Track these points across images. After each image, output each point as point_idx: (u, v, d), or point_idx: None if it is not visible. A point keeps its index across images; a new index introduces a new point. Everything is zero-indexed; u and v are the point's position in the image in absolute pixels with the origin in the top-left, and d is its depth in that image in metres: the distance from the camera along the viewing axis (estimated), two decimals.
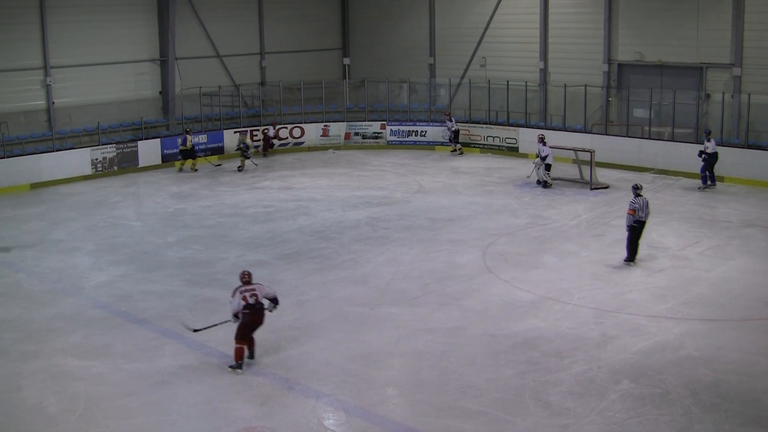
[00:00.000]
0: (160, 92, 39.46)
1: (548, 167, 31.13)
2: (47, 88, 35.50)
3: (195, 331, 17.23)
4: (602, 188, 30.91)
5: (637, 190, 22.23)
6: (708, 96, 34.53)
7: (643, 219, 21.96)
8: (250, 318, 16.16)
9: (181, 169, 35.64)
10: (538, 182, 31.50)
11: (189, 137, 35.58)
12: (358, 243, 24.39)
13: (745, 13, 32.99)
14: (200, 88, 39.23)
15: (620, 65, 37.44)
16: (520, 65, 39.99)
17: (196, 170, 35.23)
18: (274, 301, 16.63)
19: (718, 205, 28.34)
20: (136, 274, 22.01)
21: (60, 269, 22.56)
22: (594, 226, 25.76)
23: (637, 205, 21.80)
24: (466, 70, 42.38)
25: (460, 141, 38.90)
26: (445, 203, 28.98)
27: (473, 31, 41.90)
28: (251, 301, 16.18)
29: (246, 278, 16.45)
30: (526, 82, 38.80)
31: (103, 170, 34.59)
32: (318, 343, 17.23)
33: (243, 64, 42.75)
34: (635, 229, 21.95)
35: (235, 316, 16.28)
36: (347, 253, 23.45)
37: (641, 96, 35.84)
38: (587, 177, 31.50)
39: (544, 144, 31.25)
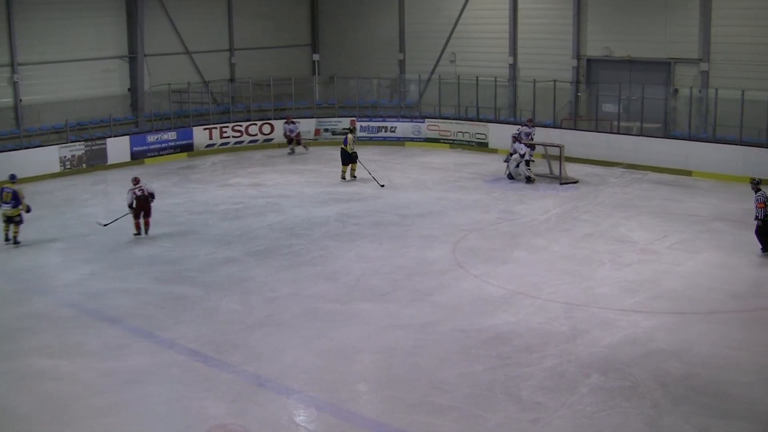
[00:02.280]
0: (129, 89, 39.28)
1: (528, 163, 31.25)
2: (14, 86, 35.28)
3: (104, 225, 25.60)
4: (572, 183, 31.02)
5: (757, 184, 22.66)
6: (676, 91, 34.76)
7: None
8: (138, 205, 24.84)
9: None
10: (510, 176, 31.61)
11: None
12: (329, 239, 24.37)
13: (713, 9, 33.22)
14: (169, 85, 39.07)
15: (589, 60, 37.61)
16: (490, 61, 40.07)
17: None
18: (152, 195, 25.16)
19: (687, 199, 28.50)
20: (106, 272, 21.90)
21: (29, 268, 22.40)
22: (564, 221, 25.86)
23: (765, 198, 22.15)
24: (435, 65, 42.44)
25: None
26: (415, 199, 29.00)
27: (443, 27, 41.96)
28: (139, 194, 24.78)
29: (136, 182, 25.14)
30: (496, 77, 38.91)
31: (71, 168, 34.38)
32: (289, 340, 17.20)
33: (212, 60, 42.63)
34: (766, 221, 22.18)
35: (130, 206, 24.92)
36: (317, 250, 23.42)
37: (610, 91, 35.99)
38: (557, 172, 31.61)
39: (521, 141, 31.40)
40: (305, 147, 38.77)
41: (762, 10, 32.39)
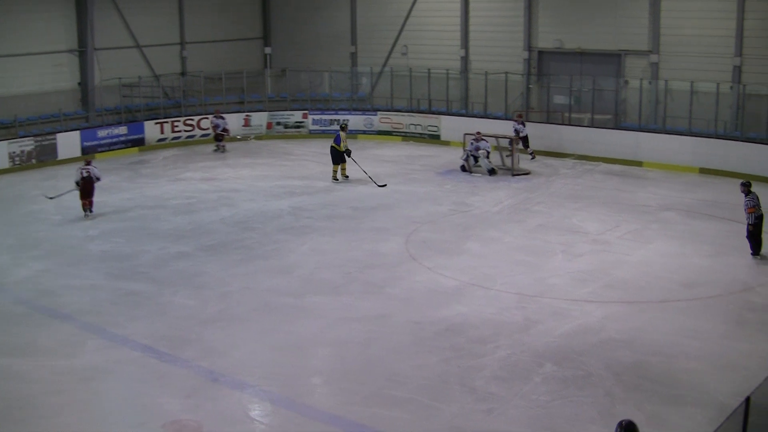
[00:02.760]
0: (79, 83, 38.87)
1: (488, 155, 31.37)
2: None
3: (50, 198, 27.44)
4: (524, 174, 31.19)
5: (747, 187, 21.61)
6: (626, 82, 35.02)
7: (762, 213, 21.43)
8: (83, 185, 26.21)
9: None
10: (463, 168, 31.72)
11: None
12: (282, 233, 24.33)
13: (662, 1, 33.59)
14: (120, 79, 38.72)
15: (540, 52, 37.79)
16: (442, 53, 40.14)
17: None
18: (97, 179, 26.61)
19: (637, 190, 28.76)
20: (58, 268, 21.69)
21: None
22: (516, 212, 26.01)
23: (755, 202, 21.29)
24: (387, 58, 42.45)
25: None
26: (367, 192, 29.01)
27: (395, 19, 41.96)
28: (85, 175, 26.26)
29: (87, 162, 26.88)
30: (448, 70, 39.01)
31: (21, 164, 33.98)
32: (243, 334, 17.17)
33: (163, 54, 42.24)
34: (758, 225, 21.39)
35: (76, 183, 26.40)
36: (270, 243, 23.37)
37: (561, 83, 36.23)
38: (509, 164, 31.76)
39: (484, 140, 31.51)
40: (222, 147, 37.44)
41: (710, 2, 32.78)
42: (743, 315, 17.75)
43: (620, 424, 9.40)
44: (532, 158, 33.81)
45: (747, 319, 17.39)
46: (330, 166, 31.03)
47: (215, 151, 37.34)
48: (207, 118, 39.49)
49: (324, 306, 18.66)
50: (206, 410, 14.03)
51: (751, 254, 21.45)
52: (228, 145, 37.94)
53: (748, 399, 9.31)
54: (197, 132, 39.30)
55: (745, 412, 9.31)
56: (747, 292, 19.05)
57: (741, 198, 26.11)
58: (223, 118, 37.98)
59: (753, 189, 21.50)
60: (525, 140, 33.86)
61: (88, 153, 35.59)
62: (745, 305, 18.29)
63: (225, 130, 37.84)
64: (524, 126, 34.04)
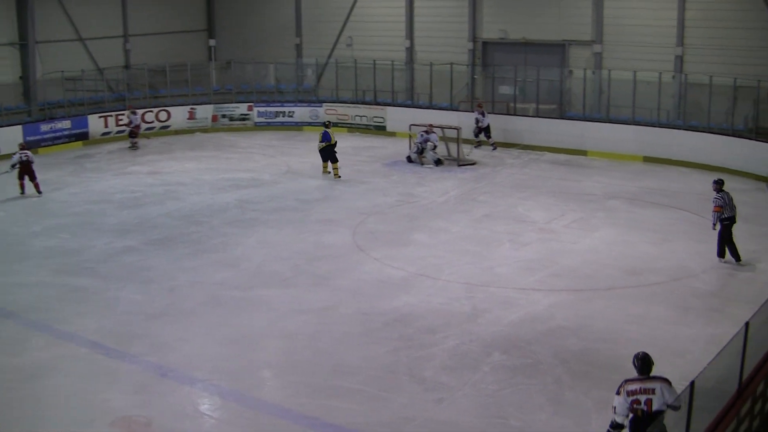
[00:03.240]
0: (21, 77, 38.39)
1: (434, 147, 31.44)
2: None
3: None
4: (469, 165, 31.31)
5: (719, 185, 20.07)
6: (570, 72, 35.29)
7: (731, 215, 19.93)
8: (22, 168, 27.87)
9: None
10: (409, 159, 31.76)
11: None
12: (228, 226, 24.22)
13: None
14: (62, 72, 38.27)
15: (485, 43, 37.97)
16: (387, 44, 40.19)
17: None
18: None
19: (582, 179, 29.01)
20: (2, 265, 21.34)
21: None
22: (462, 202, 26.11)
23: (722, 201, 19.77)
24: (332, 50, 42.41)
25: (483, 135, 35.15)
26: (314, 184, 28.98)
27: (339, 10, 41.95)
28: (24, 159, 27.64)
29: (22, 147, 28.44)
30: (393, 61, 39.05)
31: None
32: (191, 329, 17.06)
33: (106, 47, 41.84)
34: (727, 227, 19.98)
35: (13, 166, 27.86)
36: (218, 237, 23.26)
37: (506, 73, 36.44)
38: (455, 154, 31.87)
39: (434, 132, 31.55)
40: (134, 144, 36.39)
41: None
42: (688, 301, 17.94)
43: (636, 356, 11.19)
44: (493, 149, 33.91)
45: (692, 306, 17.60)
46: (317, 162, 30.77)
47: (130, 148, 36.33)
48: (152, 111, 39.19)
49: (272, 299, 18.60)
50: (155, 406, 13.93)
51: (718, 256, 20.25)
52: (172, 139, 37.70)
53: (692, 383, 9.43)
54: (142, 125, 38.88)
55: (690, 396, 9.43)
56: (691, 279, 19.26)
57: (684, 185, 26.61)
58: (136, 113, 37.06)
59: (725, 188, 20.13)
60: (487, 130, 33.99)
61: (30, 148, 35.02)
62: (689, 292, 18.49)
63: (137, 126, 36.80)
64: (485, 116, 34.10)
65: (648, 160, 31.41)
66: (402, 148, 33.27)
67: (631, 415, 10.91)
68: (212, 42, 45.88)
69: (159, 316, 17.73)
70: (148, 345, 16.29)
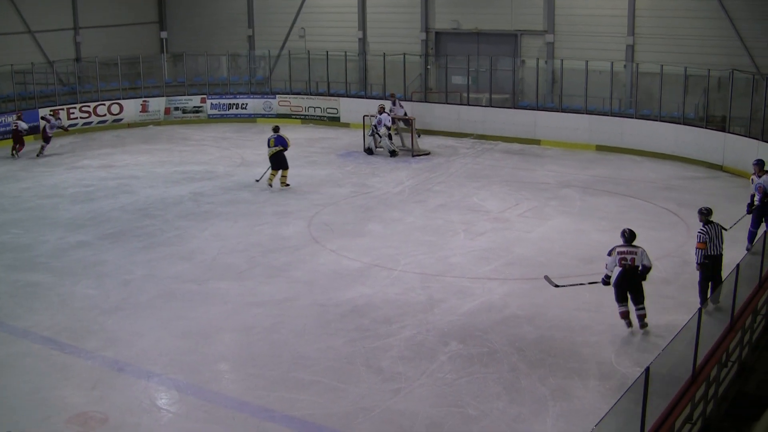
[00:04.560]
0: None
1: (390, 136, 31.39)
2: None
3: None
4: (424, 155, 31.37)
5: (706, 216, 16.83)
6: (523, 62, 35.46)
7: (716, 253, 16.64)
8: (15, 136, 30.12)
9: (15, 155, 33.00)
10: (369, 151, 31.77)
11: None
12: (183, 219, 24.10)
13: None
14: (12, 65, 37.82)
15: (438, 33, 38.07)
16: (339, 35, 40.16)
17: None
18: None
19: (536, 168, 29.17)
20: None
21: None
22: (417, 193, 26.16)
23: (706, 236, 16.58)
24: (285, 41, 42.29)
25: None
26: (268, 175, 28.87)
27: (292, 2, 41.83)
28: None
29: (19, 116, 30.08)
30: (346, 52, 38.99)
31: None
32: (146, 323, 16.97)
33: (56, 39, 41.45)
34: (707, 267, 16.62)
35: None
36: (172, 230, 23.14)
37: (459, 63, 36.48)
38: (408, 144, 31.92)
39: (385, 113, 31.47)
40: (16, 153, 33.68)
41: None
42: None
43: (624, 230, 16.34)
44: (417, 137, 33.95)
45: (646, 293, 17.69)
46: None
47: (12, 157, 33.54)
48: (104, 104, 38.81)
49: (228, 291, 18.55)
50: (112, 401, 13.85)
51: (700, 303, 16.46)
52: (124, 132, 37.47)
53: (647, 369, 9.53)
54: (94, 119, 38.55)
55: (645, 382, 9.52)
56: None
57: (637, 173, 26.76)
58: (22, 119, 34.27)
59: (713, 218, 16.92)
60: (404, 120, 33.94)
61: None
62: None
63: (19, 132, 33.77)
64: (401, 107, 34.15)
65: (600, 148, 31.65)
66: (356, 138, 33.27)
67: (619, 269, 15.94)
68: (164, 34, 45.50)
69: (114, 310, 17.62)
70: (104, 340, 16.19)
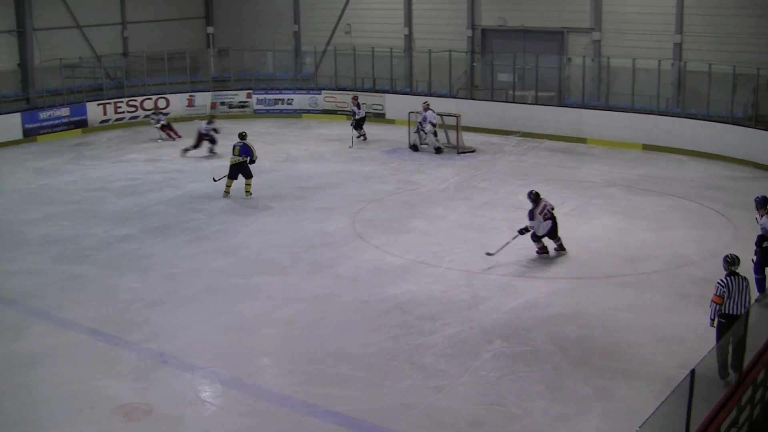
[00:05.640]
0: (19, 65, 38.36)
1: (434, 132, 31.36)
2: None
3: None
4: (469, 152, 31.29)
5: (731, 265, 14.01)
6: (569, 60, 35.24)
7: (737, 313, 13.57)
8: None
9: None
10: (414, 148, 31.74)
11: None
12: (227, 213, 24.22)
13: None
14: (60, 59, 38.20)
15: (484, 30, 37.90)
16: (385, 32, 40.10)
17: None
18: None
19: (581, 166, 29.01)
20: (0, 253, 21.40)
21: None
22: (461, 190, 26.11)
23: (725, 290, 13.75)
24: (331, 37, 42.31)
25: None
26: (313, 171, 28.96)
27: None
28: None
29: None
30: (391, 48, 38.96)
31: None
32: (190, 316, 17.09)
33: (104, 34, 41.76)
34: (724, 328, 13.63)
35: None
36: (216, 224, 23.27)
37: (505, 60, 36.36)
38: (454, 141, 31.85)
39: (432, 111, 31.38)
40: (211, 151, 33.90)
41: None
42: (685, 289, 17.95)
43: (529, 194, 19.78)
44: (363, 140, 33.94)
45: (689, 293, 17.62)
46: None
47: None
48: (150, 98, 39.06)
49: (271, 286, 18.63)
50: (155, 393, 13.97)
51: (720, 375, 13.02)
52: (172, 125, 37.73)
53: (693, 371, 9.45)
54: (140, 113, 38.84)
55: (691, 384, 9.45)
56: (689, 267, 19.27)
57: (682, 172, 26.51)
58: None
59: (737, 269, 14.17)
60: (360, 122, 33.90)
61: (29, 135, 35.08)
62: (687, 279, 18.51)
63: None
64: (360, 108, 33.93)
65: (646, 147, 31.39)
66: (401, 135, 33.23)
67: (549, 222, 19.49)
68: (210, 29, 45.76)
69: (158, 303, 17.77)
70: (148, 332, 16.33)
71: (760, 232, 17.38)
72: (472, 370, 14.42)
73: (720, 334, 13.60)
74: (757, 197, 17.66)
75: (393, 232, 22.19)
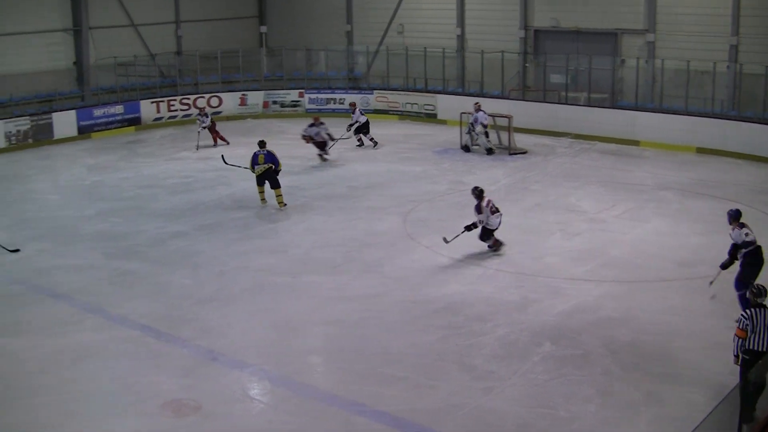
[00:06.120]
0: (75, 63, 38.82)
1: (487, 134, 31.26)
2: None
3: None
4: (520, 153, 31.15)
5: (757, 297, 12.70)
6: (623, 61, 34.98)
7: (762, 349, 12.38)
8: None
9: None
10: (466, 148, 31.64)
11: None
12: (278, 212, 24.32)
13: None
14: (115, 58, 38.61)
15: (536, 31, 37.73)
16: (438, 32, 40.04)
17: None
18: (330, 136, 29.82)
19: (634, 169, 28.76)
20: (54, 248, 21.65)
21: None
22: (513, 191, 25.99)
23: (749, 323, 12.46)
24: (383, 37, 42.34)
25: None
26: (364, 171, 28.99)
27: None
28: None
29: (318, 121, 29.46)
30: (444, 48, 38.91)
31: (17, 143, 33.89)
32: (240, 314, 17.18)
33: (158, 33, 42.16)
34: (748, 365, 12.42)
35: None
36: (267, 223, 23.39)
37: (557, 62, 36.14)
38: (505, 142, 31.72)
39: (483, 112, 31.24)
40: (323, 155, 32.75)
41: None
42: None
43: (473, 190, 20.59)
44: (359, 145, 33.32)
45: None
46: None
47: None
48: (203, 97, 39.41)
49: (320, 285, 18.67)
50: (204, 390, 14.05)
51: (740, 420, 11.17)
52: (223, 125, 37.95)
53: (746, 378, 9.32)
54: (193, 111, 39.10)
55: (742, 391, 9.33)
56: None
57: (737, 176, 26.16)
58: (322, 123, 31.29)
59: (765, 301, 12.77)
60: (362, 129, 33.32)
61: (84, 133, 35.52)
62: None
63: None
64: (355, 114, 33.39)
65: (701, 150, 31.03)
66: (453, 135, 33.14)
67: (498, 215, 20.05)
68: (263, 29, 45.94)
69: (208, 300, 17.89)
70: (198, 329, 16.44)
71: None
72: (521, 372, 14.35)
73: (744, 371, 12.49)
74: (731, 210, 17.20)
75: (443, 232, 22.07)
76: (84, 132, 35.83)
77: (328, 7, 44.46)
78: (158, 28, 42.20)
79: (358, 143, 33.31)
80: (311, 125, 30.45)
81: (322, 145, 30.55)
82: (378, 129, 36.02)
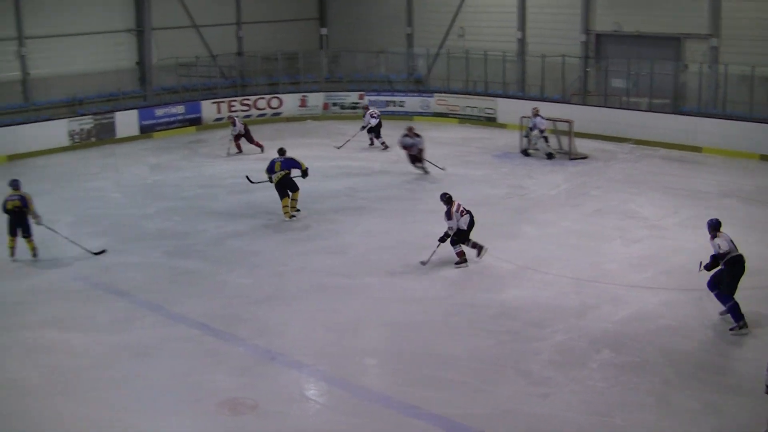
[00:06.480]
0: (137, 63, 39.24)
1: (546, 139, 31.12)
2: (22, 59, 35.17)
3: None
4: (581, 158, 30.95)
5: None
6: (686, 66, 34.62)
7: None
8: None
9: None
10: (525, 153, 31.52)
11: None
12: (337, 213, 24.39)
13: None
14: (177, 58, 38.99)
15: (598, 35, 37.46)
16: (498, 35, 39.90)
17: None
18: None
19: (696, 176, 28.45)
20: (116, 245, 21.89)
21: (38, 242, 22.06)
22: (573, 196, 25.85)
23: None
24: (444, 40, 42.29)
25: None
26: (423, 174, 28.92)
27: (451, 1, 41.76)
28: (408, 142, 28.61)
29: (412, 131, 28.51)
30: (504, 52, 38.78)
31: (80, 141, 34.35)
32: (297, 314, 17.25)
33: (220, 34, 42.49)
34: None
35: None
36: (325, 224, 23.45)
37: (619, 66, 35.86)
38: (566, 147, 31.54)
39: (541, 117, 31.09)
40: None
41: None
42: None
43: (442, 196, 19.98)
44: (383, 147, 33.23)
45: None
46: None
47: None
48: (263, 98, 39.74)
49: (378, 287, 18.70)
50: (261, 389, 14.14)
51: None
52: (283, 126, 38.15)
53: None
54: (254, 112, 39.38)
55: None
56: None
57: None
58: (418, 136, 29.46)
59: None
60: (374, 131, 33.42)
61: (145, 132, 35.92)
62: None
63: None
64: (372, 116, 33.32)
65: (765, 158, 30.59)
66: (512, 139, 33.00)
67: (467, 217, 19.89)
68: (324, 30, 46.16)
69: (266, 300, 18.00)
70: (255, 329, 16.54)
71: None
72: (578, 379, 14.26)
73: None
74: (710, 220, 17.07)
75: (502, 236, 22.03)
76: (145, 131, 36.23)
77: (389, 9, 44.52)
78: (219, 29, 42.52)
79: (369, 143, 33.91)
80: (406, 135, 29.27)
81: (415, 159, 29.21)
82: (437, 132, 36.05)
